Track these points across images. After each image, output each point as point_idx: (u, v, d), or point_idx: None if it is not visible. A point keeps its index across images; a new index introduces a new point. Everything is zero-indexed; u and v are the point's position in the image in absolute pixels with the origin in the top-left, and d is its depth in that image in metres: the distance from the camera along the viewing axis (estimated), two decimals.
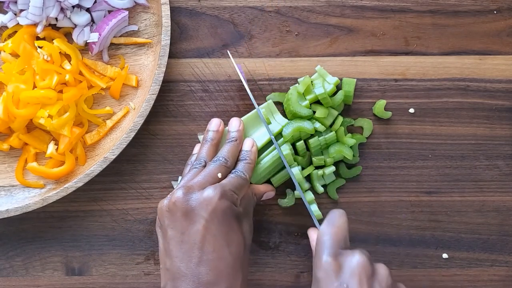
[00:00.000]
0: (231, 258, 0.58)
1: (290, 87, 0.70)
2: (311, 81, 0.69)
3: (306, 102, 0.69)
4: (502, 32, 0.72)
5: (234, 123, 0.67)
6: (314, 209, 0.67)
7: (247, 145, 0.67)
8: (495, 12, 0.72)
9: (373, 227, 0.72)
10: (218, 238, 0.58)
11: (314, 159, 0.69)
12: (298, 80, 0.70)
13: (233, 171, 0.64)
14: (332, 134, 0.69)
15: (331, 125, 0.70)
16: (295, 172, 0.67)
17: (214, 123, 0.68)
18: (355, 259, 0.56)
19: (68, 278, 0.71)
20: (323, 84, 0.69)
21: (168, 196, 0.61)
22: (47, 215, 0.71)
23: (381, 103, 0.71)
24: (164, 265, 0.60)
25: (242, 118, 0.68)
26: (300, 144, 0.68)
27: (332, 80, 0.70)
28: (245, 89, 0.71)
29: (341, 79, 0.71)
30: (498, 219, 0.72)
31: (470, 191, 0.72)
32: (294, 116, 0.69)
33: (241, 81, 0.71)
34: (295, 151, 0.70)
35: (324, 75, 0.70)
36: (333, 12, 0.72)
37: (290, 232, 0.71)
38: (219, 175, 0.62)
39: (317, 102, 0.70)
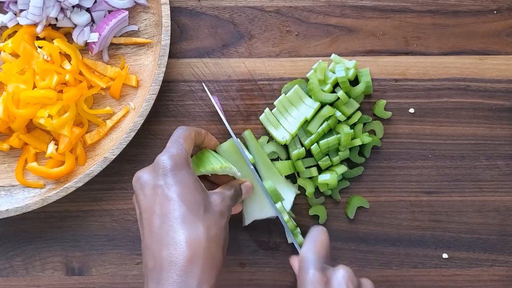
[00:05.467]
0: (189, 214, 0.57)
1: (307, 75, 0.70)
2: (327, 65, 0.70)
3: (329, 86, 0.69)
4: (502, 32, 0.72)
5: None
6: (297, 238, 0.68)
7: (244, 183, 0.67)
8: (495, 12, 0.72)
9: (373, 227, 0.72)
10: (171, 198, 0.57)
11: (320, 162, 0.69)
12: (313, 67, 0.70)
13: None
14: (352, 131, 0.68)
15: (348, 118, 0.70)
16: (278, 205, 0.67)
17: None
18: (341, 272, 0.57)
19: (68, 278, 0.71)
20: (345, 69, 0.69)
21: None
22: (47, 215, 0.71)
23: (381, 103, 0.71)
24: (142, 255, 0.59)
25: (225, 144, 0.68)
26: (332, 140, 0.68)
27: (350, 64, 0.69)
28: (245, 91, 0.71)
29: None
30: (498, 219, 0.72)
31: (470, 191, 0.72)
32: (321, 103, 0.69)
33: (241, 81, 0.71)
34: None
35: (340, 61, 0.70)
36: (333, 12, 0.72)
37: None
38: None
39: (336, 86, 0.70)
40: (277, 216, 0.67)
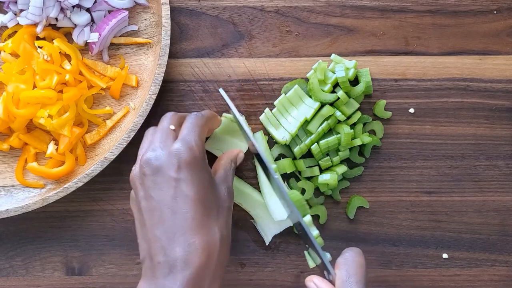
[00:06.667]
0: (206, 217, 0.55)
1: (307, 75, 0.70)
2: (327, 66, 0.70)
3: (329, 86, 0.69)
4: (502, 32, 0.72)
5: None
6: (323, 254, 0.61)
7: None
8: (495, 12, 0.72)
9: (373, 227, 0.72)
10: (189, 197, 0.55)
11: (321, 162, 0.69)
12: (313, 67, 0.70)
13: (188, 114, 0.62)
14: (352, 131, 0.68)
15: (348, 118, 0.70)
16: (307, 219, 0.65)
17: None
18: None
19: (68, 278, 0.71)
20: (345, 69, 0.69)
21: (136, 164, 0.59)
22: (47, 215, 0.71)
23: (381, 103, 0.71)
24: (140, 240, 0.58)
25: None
26: (332, 140, 0.68)
27: (350, 64, 0.69)
28: (245, 91, 0.71)
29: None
30: (498, 219, 0.72)
31: (470, 191, 0.72)
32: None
33: (241, 81, 0.71)
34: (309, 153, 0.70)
35: (340, 61, 0.70)
36: (333, 12, 0.72)
37: (290, 232, 0.71)
38: (172, 126, 0.60)
39: (336, 87, 0.70)
40: (292, 225, 0.68)
